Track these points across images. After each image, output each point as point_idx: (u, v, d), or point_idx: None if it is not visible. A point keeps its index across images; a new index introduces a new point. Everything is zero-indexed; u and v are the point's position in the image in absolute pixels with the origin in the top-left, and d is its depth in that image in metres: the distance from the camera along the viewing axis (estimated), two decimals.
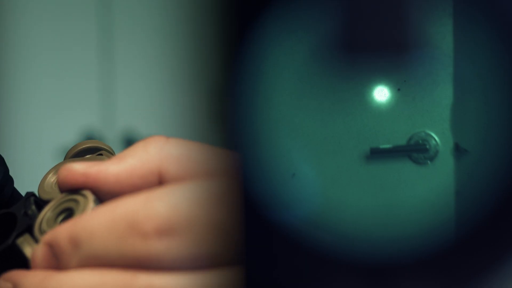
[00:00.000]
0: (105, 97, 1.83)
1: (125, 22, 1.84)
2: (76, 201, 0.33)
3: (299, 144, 0.34)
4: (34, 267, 0.32)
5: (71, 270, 0.31)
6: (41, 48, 1.79)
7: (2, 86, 1.77)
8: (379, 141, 0.35)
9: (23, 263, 0.33)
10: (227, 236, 0.30)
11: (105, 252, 0.30)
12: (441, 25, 0.33)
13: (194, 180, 0.31)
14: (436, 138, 0.35)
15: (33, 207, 0.35)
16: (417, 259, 0.30)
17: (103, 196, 0.33)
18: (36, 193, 0.36)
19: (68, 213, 0.33)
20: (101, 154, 0.38)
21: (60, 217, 0.33)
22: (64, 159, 0.39)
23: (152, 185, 0.32)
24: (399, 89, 0.34)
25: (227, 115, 0.31)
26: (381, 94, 0.35)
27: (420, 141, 0.35)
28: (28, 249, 0.33)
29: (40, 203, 0.35)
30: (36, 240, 0.33)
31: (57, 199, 0.34)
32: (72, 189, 0.33)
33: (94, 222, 0.31)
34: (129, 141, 1.81)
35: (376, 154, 0.35)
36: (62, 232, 0.31)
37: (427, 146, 0.35)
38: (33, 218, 0.34)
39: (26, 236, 0.33)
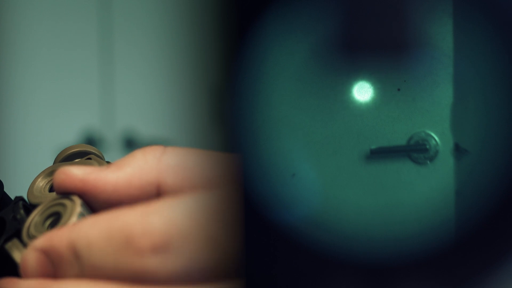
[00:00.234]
0: (105, 97, 1.83)
1: (125, 22, 1.84)
2: (63, 205, 0.33)
3: (299, 144, 0.34)
4: (26, 274, 0.31)
5: (69, 280, 0.31)
6: (41, 48, 1.79)
7: (2, 86, 1.77)
8: (379, 141, 0.35)
9: (12, 268, 0.33)
10: (224, 250, 0.30)
11: (103, 264, 0.30)
12: (441, 25, 0.33)
13: (192, 191, 0.32)
14: (436, 138, 0.35)
15: (22, 211, 0.35)
16: (417, 259, 0.30)
17: (99, 204, 0.33)
18: (25, 197, 0.36)
19: (55, 218, 0.33)
20: (89, 158, 0.38)
21: (48, 222, 0.33)
22: (54, 163, 0.39)
23: (150, 196, 0.33)
24: (399, 89, 0.34)
25: (227, 115, 0.31)
26: (381, 94, 0.35)
27: (420, 141, 0.35)
28: (17, 254, 0.33)
29: (29, 207, 0.35)
30: (24, 245, 0.33)
31: (44, 204, 0.34)
32: (62, 193, 0.33)
33: (93, 232, 0.31)
34: (129, 141, 1.81)
35: (376, 154, 0.35)
36: (61, 239, 0.31)
37: (427, 146, 0.35)
38: (21, 222, 0.34)
39: (15, 241, 0.33)
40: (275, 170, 0.33)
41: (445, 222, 0.32)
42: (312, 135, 0.35)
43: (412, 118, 0.35)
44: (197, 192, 0.31)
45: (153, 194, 0.33)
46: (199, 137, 1.76)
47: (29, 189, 0.36)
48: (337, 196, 0.34)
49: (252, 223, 0.31)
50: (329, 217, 0.33)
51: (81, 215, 0.33)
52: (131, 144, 1.80)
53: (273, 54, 0.33)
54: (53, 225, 0.33)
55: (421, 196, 0.34)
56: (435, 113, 0.35)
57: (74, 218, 0.32)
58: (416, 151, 0.35)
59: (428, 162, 0.35)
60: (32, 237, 0.33)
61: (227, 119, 0.31)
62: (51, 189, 0.36)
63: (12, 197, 0.37)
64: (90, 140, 1.78)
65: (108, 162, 0.38)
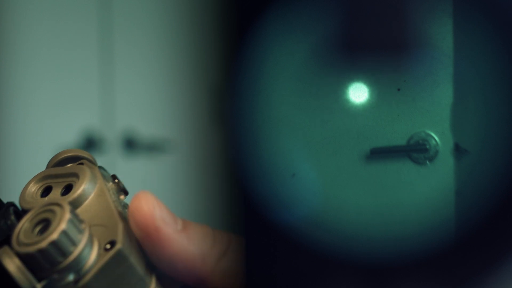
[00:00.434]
0: (105, 97, 1.83)
1: (125, 22, 1.84)
2: (53, 211, 0.33)
3: (299, 144, 0.34)
4: None
5: None
6: (41, 48, 1.79)
7: (2, 86, 1.77)
8: (379, 141, 0.35)
9: (2, 275, 0.32)
10: None
11: None
12: (441, 25, 0.33)
13: None
14: (436, 138, 0.35)
15: (12, 217, 0.35)
16: (417, 259, 0.30)
17: (149, 248, 0.34)
18: (17, 202, 0.36)
19: (45, 224, 0.33)
20: (82, 163, 0.38)
21: (38, 228, 0.33)
22: (46, 167, 0.38)
23: (187, 275, 0.34)
24: (399, 89, 0.34)
25: (227, 115, 0.31)
26: (381, 94, 0.35)
27: (420, 141, 0.35)
28: (8, 261, 0.33)
29: (20, 213, 0.35)
30: (15, 252, 0.33)
31: (34, 210, 0.34)
32: (136, 221, 0.34)
33: None
34: (129, 141, 1.82)
35: (376, 154, 0.35)
36: None
37: (427, 146, 0.35)
38: (12, 228, 0.34)
39: (5, 248, 0.33)
40: (275, 170, 0.33)
41: (445, 222, 0.32)
42: (312, 135, 0.35)
43: (412, 118, 0.35)
44: None
45: (191, 278, 0.34)
46: (199, 137, 1.76)
47: (21, 194, 0.36)
48: (337, 196, 0.34)
49: (252, 223, 0.31)
50: (329, 217, 0.33)
51: (71, 222, 0.33)
52: (131, 144, 1.80)
53: (273, 54, 0.33)
54: (42, 231, 0.33)
55: (421, 196, 0.34)
56: (435, 113, 0.35)
57: (63, 225, 0.32)
58: (416, 151, 0.35)
59: (428, 162, 0.35)
60: (21, 244, 0.33)
61: (227, 119, 0.31)
62: (43, 194, 0.36)
63: (7, 200, 0.37)
64: (90, 140, 1.78)
65: (100, 167, 0.38)
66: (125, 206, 0.38)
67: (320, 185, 0.34)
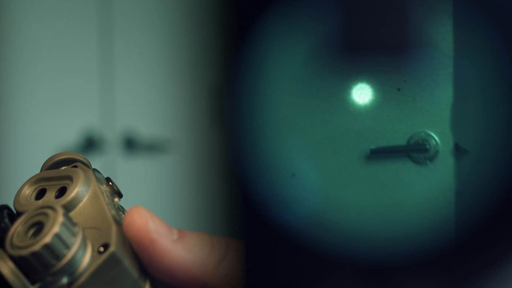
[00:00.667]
0: (105, 97, 1.83)
1: (125, 22, 1.84)
2: (46, 214, 0.33)
3: (299, 144, 0.34)
4: None
5: None
6: (41, 48, 1.79)
7: (2, 86, 1.77)
8: (379, 141, 0.35)
9: None
10: None
11: None
12: (441, 25, 0.33)
13: None
14: (436, 138, 0.35)
15: (6, 220, 0.35)
16: (417, 259, 0.30)
17: (145, 259, 0.34)
18: (11, 205, 0.36)
19: (38, 227, 0.33)
20: (76, 166, 0.38)
21: (31, 231, 0.33)
22: (41, 170, 0.38)
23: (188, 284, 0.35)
24: (399, 89, 0.34)
25: (227, 115, 0.31)
26: (381, 94, 0.35)
27: (420, 141, 0.35)
28: (1, 264, 0.32)
29: (14, 215, 0.35)
30: (8, 255, 0.33)
31: (28, 213, 0.34)
32: (130, 234, 0.34)
33: None
34: (129, 141, 1.82)
35: (376, 154, 0.35)
36: None
37: (427, 146, 0.35)
38: (5, 231, 0.34)
39: None
40: (275, 170, 0.33)
41: (445, 222, 0.32)
42: (312, 135, 0.35)
43: (412, 118, 0.35)
44: None
45: (192, 286, 0.35)
46: (199, 137, 1.76)
47: (15, 197, 0.36)
48: (337, 196, 0.34)
49: (252, 223, 0.31)
50: (329, 217, 0.33)
51: (64, 225, 0.33)
52: (131, 144, 1.80)
53: (273, 54, 0.33)
54: (35, 234, 0.33)
55: (421, 196, 0.34)
56: (435, 113, 0.35)
57: (56, 228, 0.32)
58: (416, 151, 0.35)
59: (428, 162, 0.35)
60: (15, 247, 0.33)
61: (227, 119, 0.31)
62: (37, 197, 0.36)
63: (7, 203, 0.37)
64: (90, 140, 1.79)
65: (94, 170, 0.38)
66: (119, 208, 0.38)
67: (320, 185, 0.34)
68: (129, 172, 1.78)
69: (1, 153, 1.75)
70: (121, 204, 0.39)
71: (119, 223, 0.35)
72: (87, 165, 0.38)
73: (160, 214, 0.35)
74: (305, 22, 0.33)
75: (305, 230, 0.31)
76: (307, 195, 0.33)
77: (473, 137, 0.33)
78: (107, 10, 1.84)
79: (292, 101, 0.34)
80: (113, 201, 0.37)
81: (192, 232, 0.35)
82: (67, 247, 0.33)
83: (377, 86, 0.34)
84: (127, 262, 0.34)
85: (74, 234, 0.33)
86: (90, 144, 1.79)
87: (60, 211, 0.33)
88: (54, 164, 0.38)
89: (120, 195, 0.38)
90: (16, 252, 0.33)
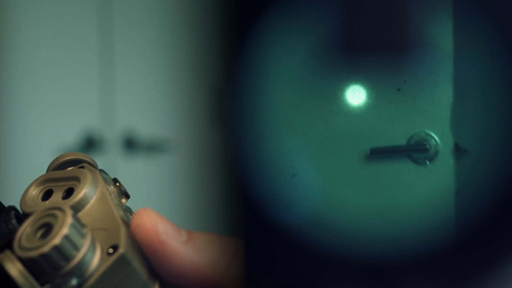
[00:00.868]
0: (105, 97, 1.83)
1: (125, 22, 1.84)
2: (54, 216, 0.33)
3: (299, 144, 0.34)
4: None
5: None
6: (41, 48, 1.79)
7: (2, 86, 1.77)
8: (379, 141, 0.35)
9: (4, 279, 0.32)
10: None
11: None
12: (441, 25, 0.33)
13: None
14: (436, 138, 0.35)
15: (14, 221, 0.34)
16: (418, 259, 0.30)
17: (156, 262, 0.34)
18: (18, 206, 0.36)
19: (47, 228, 0.33)
20: (82, 167, 0.38)
21: (39, 232, 0.33)
22: (47, 170, 0.38)
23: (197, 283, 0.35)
24: (399, 89, 0.34)
25: (227, 115, 0.31)
26: (381, 94, 0.35)
27: (420, 141, 0.35)
28: (10, 265, 0.32)
29: (21, 216, 0.35)
30: (17, 257, 0.32)
31: (36, 214, 0.34)
32: (139, 236, 0.34)
33: None
34: (129, 141, 1.82)
35: (376, 154, 0.35)
36: None
37: (427, 146, 0.35)
38: (13, 232, 0.34)
39: (7, 253, 0.33)
40: (275, 170, 0.33)
41: (445, 222, 0.32)
42: (312, 135, 0.34)
43: (412, 118, 0.35)
44: None
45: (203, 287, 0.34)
46: (199, 137, 1.76)
47: (21, 198, 0.36)
48: (337, 196, 0.34)
49: (252, 223, 0.31)
50: (329, 217, 0.33)
51: (73, 227, 0.32)
52: (131, 144, 1.80)
53: (273, 54, 0.33)
54: (44, 236, 0.33)
55: (421, 196, 0.34)
56: (435, 113, 0.35)
57: (65, 230, 0.32)
58: (416, 151, 0.35)
59: (428, 162, 0.35)
60: (23, 249, 0.33)
61: (227, 119, 0.31)
62: (44, 198, 0.36)
63: (7, 203, 0.37)
64: (90, 140, 1.78)
65: (101, 170, 0.37)
66: (127, 209, 0.38)
67: (320, 185, 0.34)
68: (129, 172, 1.78)
69: (1, 153, 1.75)
70: (128, 206, 0.39)
71: (127, 224, 0.35)
72: (94, 166, 0.38)
73: (160, 214, 0.35)
74: (305, 22, 0.33)
75: (305, 230, 0.31)
76: (307, 195, 0.33)
77: (473, 137, 0.33)
78: (107, 10, 1.84)
79: (292, 101, 0.34)
80: (120, 202, 0.37)
81: (201, 233, 0.35)
82: (76, 248, 0.32)
83: (377, 86, 0.34)
84: (136, 264, 0.33)
85: (83, 236, 0.33)
86: (90, 144, 1.79)
87: (69, 212, 0.33)
88: (60, 165, 0.38)
89: (127, 196, 0.38)
90: (24, 254, 0.32)
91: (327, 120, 0.35)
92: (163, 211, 0.35)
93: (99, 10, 1.83)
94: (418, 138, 0.35)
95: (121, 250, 0.33)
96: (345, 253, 0.31)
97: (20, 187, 0.41)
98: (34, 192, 0.36)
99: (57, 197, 0.36)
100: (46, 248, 0.32)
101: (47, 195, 0.36)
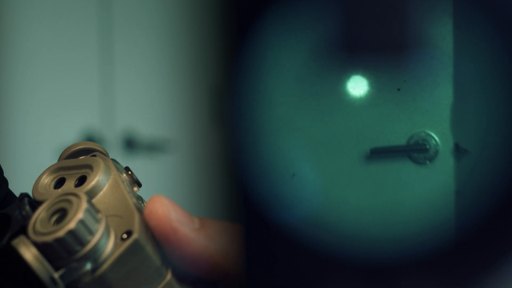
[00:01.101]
0: (105, 97, 1.83)
1: (125, 22, 1.84)
2: (69, 201, 0.33)
3: (299, 144, 0.34)
4: None
5: None
6: (41, 48, 1.79)
7: (2, 86, 1.77)
8: (379, 141, 0.35)
9: (19, 264, 0.32)
10: None
11: None
12: (441, 25, 0.33)
13: None
14: (436, 138, 0.35)
15: (27, 207, 0.35)
16: (417, 259, 0.30)
17: (168, 247, 0.34)
18: (30, 194, 0.36)
19: (61, 214, 0.33)
20: (94, 155, 0.38)
21: (54, 218, 0.33)
22: (58, 160, 0.38)
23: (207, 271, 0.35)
24: (399, 89, 0.34)
25: (227, 115, 0.31)
26: (381, 94, 0.35)
27: (420, 141, 0.35)
28: (25, 250, 0.32)
29: (34, 204, 0.35)
30: (31, 241, 0.33)
31: (50, 200, 0.34)
32: (152, 223, 0.34)
33: None
34: (129, 141, 1.82)
35: (376, 154, 0.35)
36: None
37: (427, 146, 0.35)
38: (27, 218, 0.34)
39: (22, 237, 0.33)
40: (275, 170, 0.33)
41: (445, 222, 0.32)
42: (312, 135, 0.34)
43: (412, 118, 0.35)
44: None
45: (215, 274, 0.35)
46: (199, 137, 1.76)
47: (34, 186, 0.36)
48: (337, 196, 0.34)
49: (252, 223, 0.31)
50: (329, 217, 0.33)
51: (87, 211, 0.33)
52: (131, 144, 1.80)
53: (273, 54, 0.33)
54: (59, 221, 0.33)
55: (421, 196, 0.34)
56: (435, 113, 0.35)
57: (80, 214, 0.32)
58: (416, 151, 0.35)
59: (428, 162, 0.35)
60: (38, 234, 0.33)
61: (227, 119, 0.31)
62: (56, 186, 0.36)
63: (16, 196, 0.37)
64: (90, 140, 1.78)
65: (113, 160, 0.38)
66: (139, 198, 0.38)
67: (320, 185, 0.34)
68: None
69: (1, 153, 1.75)
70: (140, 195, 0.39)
71: (140, 211, 0.35)
72: (105, 155, 0.38)
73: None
74: (305, 22, 0.33)
75: (305, 230, 0.31)
76: (307, 195, 0.33)
77: (473, 137, 0.33)
78: (107, 10, 1.84)
79: (292, 101, 0.34)
80: (132, 190, 0.37)
81: (214, 220, 0.35)
82: (91, 233, 0.32)
83: (377, 86, 0.34)
84: (150, 250, 0.34)
85: (98, 221, 0.33)
86: None
87: (84, 197, 0.33)
88: (72, 154, 0.38)
89: (139, 185, 0.38)
90: (39, 238, 0.32)
91: (327, 120, 0.35)
92: None
93: (99, 10, 1.83)
94: (418, 138, 0.35)
95: (135, 235, 0.33)
96: (345, 253, 0.31)
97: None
98: (47, 180, 0.36)
99: (69, 185, 0.36)
100: (61, 233, 0.32)
101: (59, 183, 0.36)
